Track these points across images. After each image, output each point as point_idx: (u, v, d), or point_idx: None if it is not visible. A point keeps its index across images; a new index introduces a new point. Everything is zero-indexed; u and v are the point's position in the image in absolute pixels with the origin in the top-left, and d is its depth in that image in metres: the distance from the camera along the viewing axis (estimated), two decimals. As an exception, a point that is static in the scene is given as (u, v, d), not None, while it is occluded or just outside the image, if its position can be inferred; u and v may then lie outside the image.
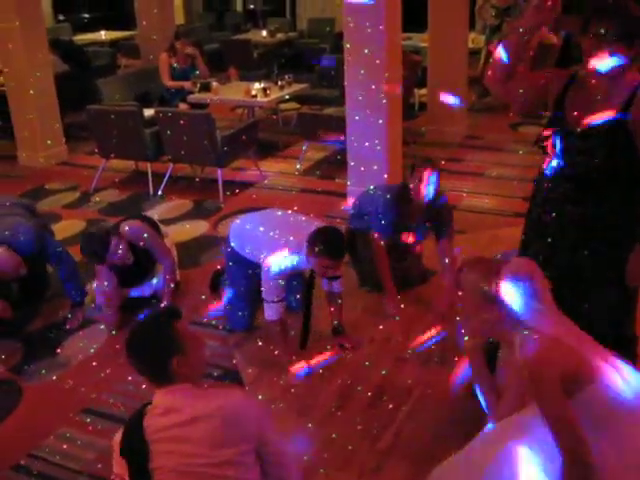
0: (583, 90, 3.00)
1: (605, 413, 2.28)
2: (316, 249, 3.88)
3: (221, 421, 2.31)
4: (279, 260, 3.98)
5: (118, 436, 2.53)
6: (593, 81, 2.93)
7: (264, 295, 4.07)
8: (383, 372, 4.04)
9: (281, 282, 4.03)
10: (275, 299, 4.04)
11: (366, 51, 5.97)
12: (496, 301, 2.43)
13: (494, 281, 2.44)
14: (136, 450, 2.39)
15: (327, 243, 3.90)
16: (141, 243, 4.71)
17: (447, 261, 4.64)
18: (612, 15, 2.82)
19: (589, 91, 2.96)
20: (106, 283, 4.63)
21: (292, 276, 4.28)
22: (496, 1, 9.84)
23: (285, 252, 3.98)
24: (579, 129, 2.95)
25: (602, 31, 2.80)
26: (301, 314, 4.36)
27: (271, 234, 4.12)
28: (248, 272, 4.33)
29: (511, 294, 2.39)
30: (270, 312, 4.07)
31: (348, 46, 6.11)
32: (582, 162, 2.96)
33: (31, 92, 7.84)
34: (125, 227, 4.70)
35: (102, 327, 4.72)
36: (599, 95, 2.93)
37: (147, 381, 2.50)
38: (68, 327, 4.77)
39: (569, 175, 3.03)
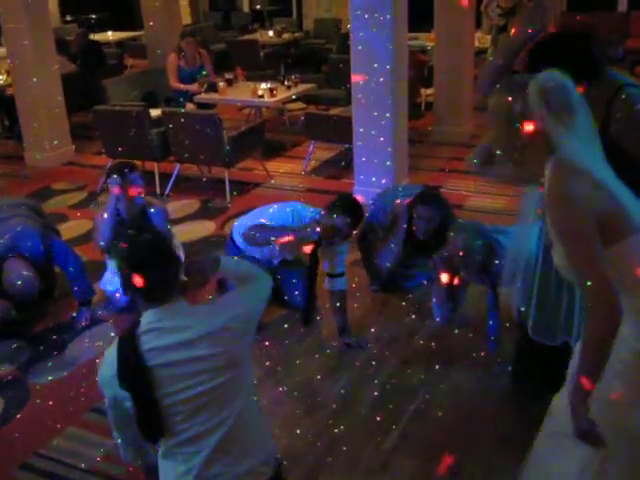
0: None
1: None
2: (336, 208, 3.98)
3: (231, 335, 2.28)
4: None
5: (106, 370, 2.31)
6: None
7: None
8: (389, 372, 4.04)
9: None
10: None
11: (372, 51, 5.98)
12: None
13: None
14: (138, 380, 2.21)
15: (346, 204, 4.02)
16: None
17: None
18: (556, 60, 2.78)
19: None
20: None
21: (291, 272, 4.29)
22: (502, 1, 9.83)
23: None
24: None
25: None
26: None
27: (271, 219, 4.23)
28: None
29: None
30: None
31: (354, 46, 6.12)
32: None
33: (38, 92, 7.88)
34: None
35: (110, 326, 4.73)
36: None
37: (145, 300, 2.29)
38: (76, 326, 4.78)
39: None
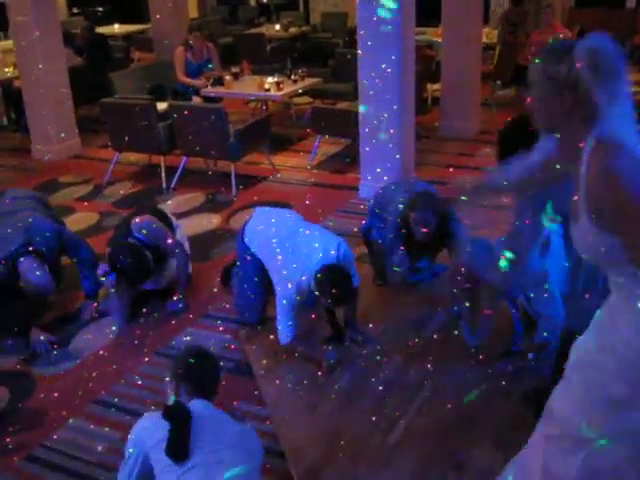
0: None
1: None
2: (321, 294, 3.87)
3: None
4: (289, 289, 3.98)
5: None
6: None
7: (278, 324, 4.07)
8: (394, 366, 4.04)
9: (293, 308, 4.01)
10: (290, 327, 4.04)
11: (380, 46, 5.97)
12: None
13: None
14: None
15: (331, 294, 3.84)
16: (156, 238, 4.73)
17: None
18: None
19: None
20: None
21: None
22: (512, 16, 9.99)
23: (294, 279, 3.97)
24: None
25: None
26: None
27: (279, 257, 4.10)
28: (259, 262, 4.34)
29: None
30: (285, 337, 4.07)
31: (361, 40, 6.11)
32: None
33: (45, 85, 7.89)
34: (136, 220, 4.72)
35: (114, 319, 4.73)
36: None
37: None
38: (82, 319, 4.79)
39: None
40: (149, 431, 2.70)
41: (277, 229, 4.27)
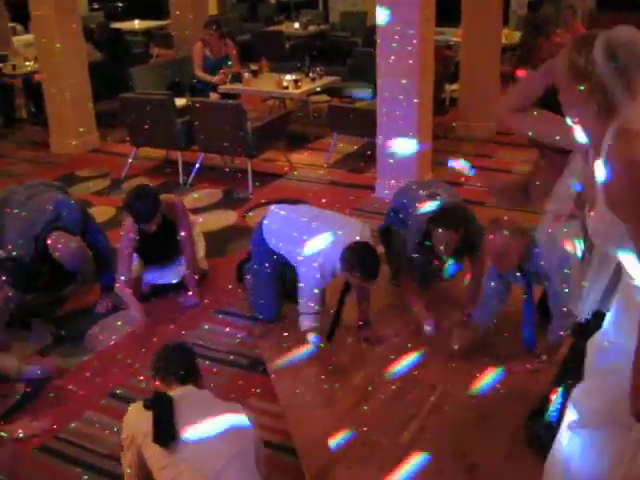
0: None
1: None
2: (351, 269, 3.90)
3: None
4: (313, 268, 4.00)
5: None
6: None
7: (301, 308, 4.09)
8: (408, 367, 4.03)
9: (317, 292, 4.04)
10: (312, 310, 4.05)
11: (398, 45, 5.96)
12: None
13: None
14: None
15: (362, 266, 3.90)
16: (174, 212, 4.78)
17: (472, 282, 4.57)
18: None
19: None
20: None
21: None
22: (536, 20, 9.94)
23: (319, 259, 4.00)
24: None
25: None
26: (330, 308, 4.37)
27: (305, 237, 4.12)
28: (273, 257, 4.36)
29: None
30: (306, 322, 4.08)
31: (380, 40, 6.10)
32: None
33: (65, 80, 7.93)
34: (164, 195, 4.79)
35: (130, 313, 4.76)
36: None
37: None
38: (97, 312, 4.82)
39: None
40: (137, 422, 2.79)
41: (299, 216, 4.35)
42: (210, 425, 2.73)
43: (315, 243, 4.06)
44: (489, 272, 4.10)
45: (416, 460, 3.31)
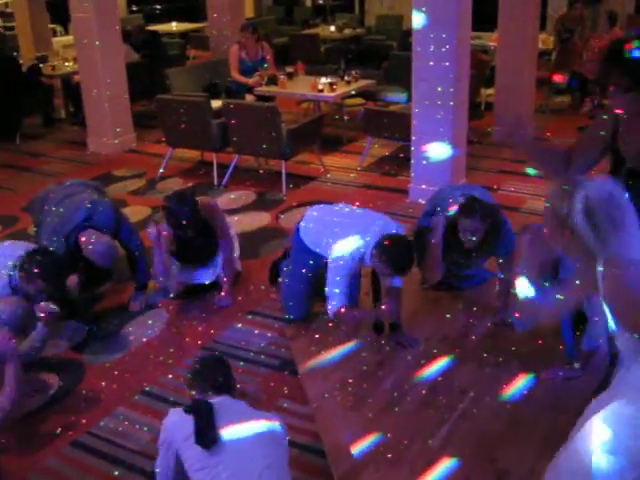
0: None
1: None
2: (384, 260, 3.93)
3: None
4: (345, 252, 4.04)
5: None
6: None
7: (327, 287, 4.11)
8: (438, 371, 4.02)
9: (339, 279, 4.06)
10: (338, 294, 4.07)
11: (434, 49, 5.95)
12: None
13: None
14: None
15: (395, 258, 3.93)
16: (212, 216, 4.84)
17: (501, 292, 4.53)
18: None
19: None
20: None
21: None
22: (567, 22, 9.87)
23: (352, 243, 4.04)
24: None
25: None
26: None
27: (337, 228, 4.20)
28: (309, 261, 4.39)
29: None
30: (333, 306, 4.10)
31: (416, 44, 6.09)
32: None
33: (104, 80, 8.04)
34: (200, 198, 4.83)
35: (163, 312, 4.81)
36: None
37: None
38: (131, 310, 4.88)
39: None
40: (178, 426, 2.84)
41: (335, 211, 4.46)
42: (248, 431, 2.80)
43: (349, 239, 4.11)
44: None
45: (445, 465, 3.31)
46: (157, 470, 2.96)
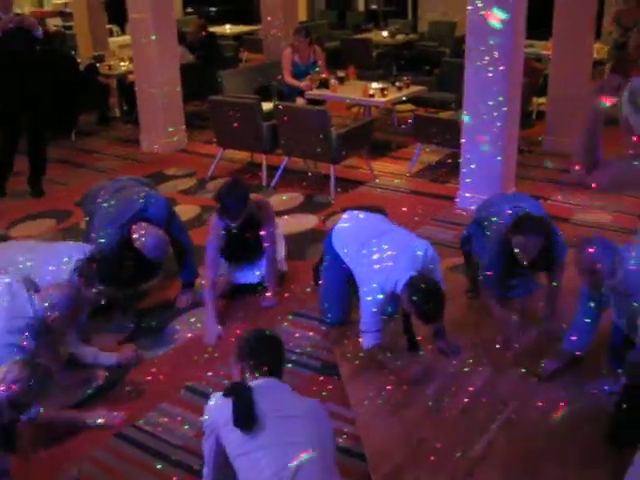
0: None
1: None
2: (413, 302, 3.78)
3: None
4: (373, 289, 3.98)
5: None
6: None
7: (362, 326, 4.09)
8: (481, 379, 4.00)
9: (376, 310, 4.00)
10: (373, 329, 4.05)
11: (488, 57, 5.92)
12: None
13: None
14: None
15: (424, 307, 3.79)
16: (263, 212, 4.87)
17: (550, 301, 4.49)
18: None
19: None
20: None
21: None
22: (623, 19, 9.64)
23: (380, 277, 3.96)
24: None
25: None
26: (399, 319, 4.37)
27: (367, 252, 4.12)
28: (343, 266, 4.39)
29: None
30: (368, 340, 4.07)
31: (469, 51, 6.07)
32: None
33: (158, 81, 8.17)
34: (252, 194, 4.87)
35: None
36: None
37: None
38: (177, 306, 4.95)
39: None
40: (218, 410, 2.82)
41: (364, 230, 4.35)
42: (291, 415, 2.77)
43: (377, 261, 4.03)
44: (582, 295, 3.90)
45: (485, 475, 3.30)
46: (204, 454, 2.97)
